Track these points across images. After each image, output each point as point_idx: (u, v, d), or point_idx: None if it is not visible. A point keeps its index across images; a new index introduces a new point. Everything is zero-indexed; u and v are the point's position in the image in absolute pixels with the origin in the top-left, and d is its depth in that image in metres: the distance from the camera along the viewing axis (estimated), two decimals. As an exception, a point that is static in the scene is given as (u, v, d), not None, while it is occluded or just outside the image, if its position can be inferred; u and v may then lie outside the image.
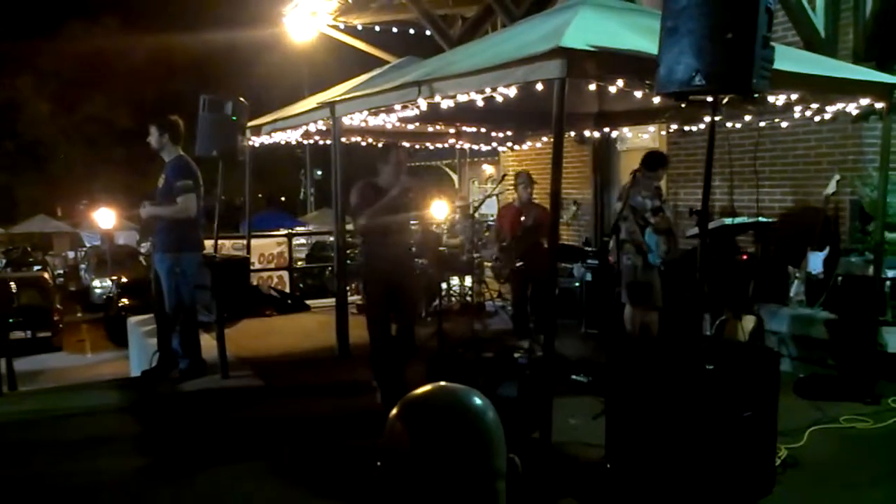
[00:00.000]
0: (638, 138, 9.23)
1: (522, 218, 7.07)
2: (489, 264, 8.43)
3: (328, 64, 24.53)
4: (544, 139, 8.98)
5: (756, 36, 3.34)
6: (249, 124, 8.27)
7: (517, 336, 7.00)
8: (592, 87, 4.63)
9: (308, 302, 9.77)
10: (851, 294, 5.77)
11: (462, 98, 4.76)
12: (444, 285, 8.62)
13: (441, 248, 9.04)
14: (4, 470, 4.34)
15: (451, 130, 8.80)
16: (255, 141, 8.60)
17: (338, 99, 6.54)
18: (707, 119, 4.15)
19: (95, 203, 26.92)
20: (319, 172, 33.45)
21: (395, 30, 12.38)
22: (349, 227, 6.50)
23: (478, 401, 1.18)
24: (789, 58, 4.63)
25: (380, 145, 7.55)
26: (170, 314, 5.86)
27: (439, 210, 10.27)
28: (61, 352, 16.15)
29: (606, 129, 8.19)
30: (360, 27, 12.06)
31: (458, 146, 10.29)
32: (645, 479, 3.61)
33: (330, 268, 13.82)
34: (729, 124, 6.53)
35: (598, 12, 4.68)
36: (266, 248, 11.10)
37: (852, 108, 5.51)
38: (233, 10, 29.10)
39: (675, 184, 8.44)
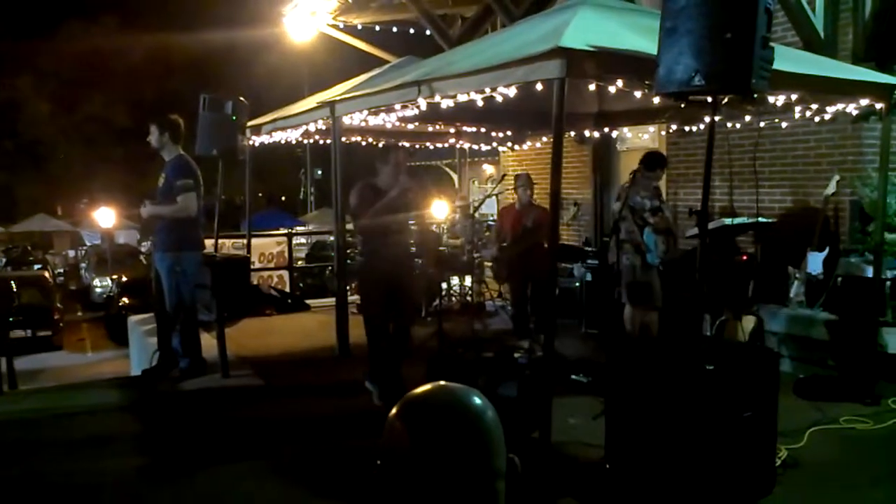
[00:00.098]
0: (638, 138, 9.24)
1: (523, 219, 7.07)
2: (489, 264, 8.44)
3: (328, 63, 24.53)
4: (544, 139, 8.98)
5: (755, 36, 3.35)
6: (249, 124, 8.27)
7: (517, 336, 7.00)
8: (592, 87, 4.64)
9: (308, 301, 9.78)
10: (851, 295, 5.78)
11: (462, 98, 4.76)
12: (444, 285, 8.62)
13: (441, 248, 9.05)
14: (4, 469, 4.34)
15: (451, 130, 8.80)
16: (255, 140, 8.60)
17: (338, 98, 6.54)
18: (707, 119, 4.15)
19: (95, 202, 26.92)
20: (319, 172, 33.45)
21: (394, 29, 12.38)
22: (349, 226, 6.50)
23: (477, 400, 1.18)
24: (789, 58, 4.64)
25: (379, 146, 7.57)
26: (170, 313, 5.86)
27: (439, 210, 10.27)
28: (61, 351, 16.15)
29: (606, 130, 8.19)
30: (359, 27, 12.06)
31: (458, 146, 10.31)
32: (645, 479, 3.61)
33: (330, 267, 13.83)
34: (728, 125, 6.54)
35: (598, 12, 4.68)
36: (266, 248, 11.12)
37: (852, 109, 5.52)
38: (232, 9, 29.11)
39: (674, 184, 8.44)
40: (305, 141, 9.34)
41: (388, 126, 7.28)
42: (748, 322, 5.61)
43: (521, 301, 7.22)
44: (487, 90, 4.51)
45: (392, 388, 5.07)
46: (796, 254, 6.49)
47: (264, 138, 8.52)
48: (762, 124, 6.51)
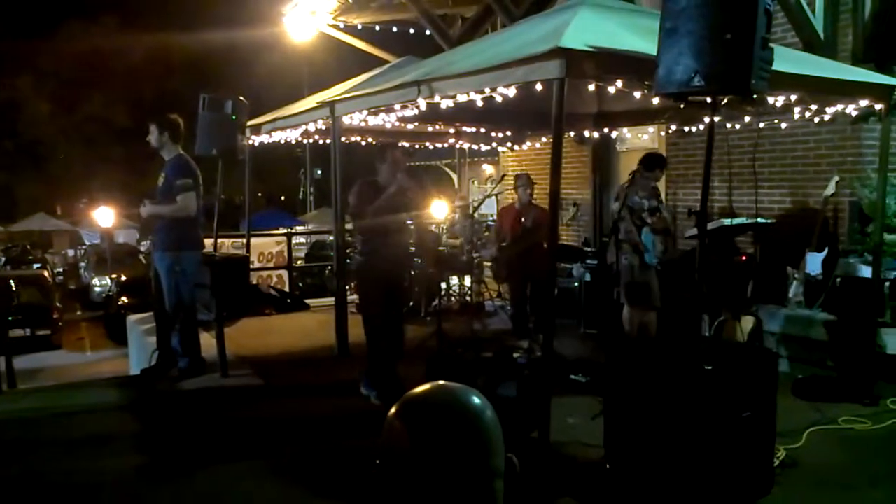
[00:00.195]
0: (637, 139, 9.24)
1: (522, 219, 7.08)
2: (489, 264, 8.44)
3: (328, 63, 24.54)
4: (544, 139, 8.98)
5: (755, 37, 3.35)
6: (249, 123, 8.27)
7: (516, 336, 7.01)
8: (592, 87, 4.64)
9: (307, 301, 9.78)
10: (850, 295, 5.78)
11: (461, 98, 4.76)
12: (443, 285, 8.62)
13: (440, 248, 9.06)
14: (4, 468, 4.35)
15: (451, 130, 8.80)
16: (255, 140, 8.60)
17: (337, 98, 6.54)
18: (706, 120, 4.16)
19: (95, 201, 26.91)
20: (319, 172, 33.44)
21: (394, 29, 12.38)
22: (348, 226, 6.51)
23: (476, 400, 1.19)
24: (788, 59, 4.64)
25: (377, 145, 7.58)
26: (169, 313, 5.86)
27: (439, 210, 10.28)
28: (61, 350, 16.14)
29: (606, 130, 8.20)
30: (359, 27, 12.06)
31: (457, 146, 10.30)
32: (644, 479, 3.62)
33: (329, 267, 13.83)
34: (728, 125, 6.54)
35: (598, 13, 4.69)
36: (266, 247, 11.12)
37: (851, 110, 5.52)
38: (232, 9, 29.13)
39: (674, 184, 8.45)
40: (305, 141, 9.35)
41: (388, 126, 7.29)
42: (747, 322, 5.61)
43: (521, 301, 7.23)
44: (487, 90, 4.51)
45: (390, 388, 5.07)
46: (795, 254, 6.50)
47: (264, 138, 8.52)
48: (762, 125, 6.52)
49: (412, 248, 7.07)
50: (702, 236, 4.02)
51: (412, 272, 8.36)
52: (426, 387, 1.20)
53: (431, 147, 10.95)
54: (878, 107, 5.18)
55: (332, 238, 10.66)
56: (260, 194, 35.14)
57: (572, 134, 8.75)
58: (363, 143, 8.83)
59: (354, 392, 5.35)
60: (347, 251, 7.31)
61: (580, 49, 3.83)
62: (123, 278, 18.96)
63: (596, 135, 8.33)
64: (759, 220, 6.46)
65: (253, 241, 10.29)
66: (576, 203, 10.06)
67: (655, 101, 5.32)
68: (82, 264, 26.75)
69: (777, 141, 7.14)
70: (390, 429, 1.17)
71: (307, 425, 4.97)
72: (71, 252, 30.90)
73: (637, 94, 4.67)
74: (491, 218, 11.84)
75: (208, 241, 7.13)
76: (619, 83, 4.26)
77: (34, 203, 33.03)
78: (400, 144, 6.59)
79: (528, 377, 4.56)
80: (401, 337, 5.40)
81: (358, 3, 11.35)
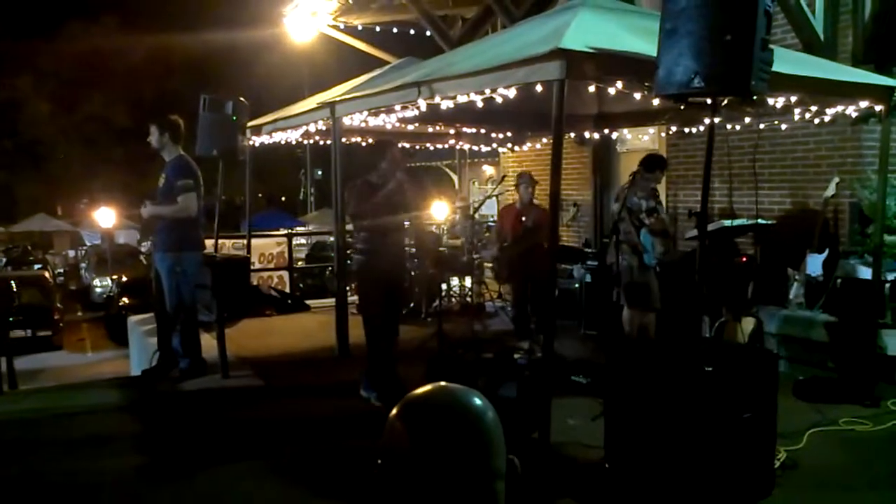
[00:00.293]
0: (638, 140, 9.24)
1: (523, 219, 7.08)
2: (489, 265, 8.44)
3: (328, 64, 24.55)
4: (544, 140, 8.99)
5: (755, 38, 3.35)
6: (250, 124, 8.28)
7: (517, 336, 7.01)
8: (592, 88, 4.64)
9: (308, 302, 9.78)
10: (851, 296, 5.78)
11: (462, 99, 4.76)
12: (444, 286, 8.62)
13: (441, 249, 9.06)
14: (4, 468, 4.35)
15: (451, 131, 8.81)
16: (256, 141, 8.61)
17: (338, 99, 6.55)
18: (706, 121, 4.16)
19: (96, 202, 26.91)
20: (320, 172, 33.45)
21: (395, 30, 12.38)
22: (349, 227, 6.53)
23: (477, 401, 1.19)
24: (788, 60, 4.64)
25: (370, 141, 7.58)
26: (170, 313, 5.87)
27: (439, 211, 10.28)
28: (61, 350, 16.15)
29: (606, 131, 8.20)
30: (360, 27, 12.06)
31: (458, 147, 10.30)
32: (644, 480, 3.62)
33: (330, 268, 13.83)
34: (728, 126, 6.54)
35: (598, 14, 4.69)
36: (266, 248, 11.12)
37: (851, 111, 5.52)
38: (233, 9, 29.17)
39: (674, 185, 8.45)
40: (305, 141, 9.36)
41: (389, 127, 7.29)
42: (748, 323, 5.61)
43: (522, 301, 7.23)
44: (487, 91, 4.51)
45: (391, 389, 5.08)
46: (796, 255, 6.50)
47: (264, 139, 8.53)
48: (762, 126, 6.52)
49: (411, 248, 7.09)
50: (702, 237, 4.03)
51: (412, 272, 8.38)
52: (427, 388, 1.21)
53: (432, 148, 10.96)
54: (878, 108, 5.18)
55: (332, 239, 10.65)
56: (260, 195, 35.15)
57: (573, 135, 8.75)
58: (363, 143, 8.83)
59: (355, 393, 5.36)
60: (348, 252, 7.32)
61: (580, 50, 3.83)
62: (124, 279, 18.96)
63: (596, 136, 8.34)
64: (760, 221, 6.46)
65: (253, 241, 10.29)
66: (576, 204, 10.06)
67: (656, 102, 5.31)
68: (83, 265, 26.76)
69: (777, 142, 7.15)
70: (391, 429, 1.17)
71: (308, 426, 4.97)
72: (72, 253, 30.91)
73: (637, 96, 4.67)
74: (491, 219, 11.84)
75: (209, 242, 7.14)
76: (619, 84, 4.26)
77: (35, 204, 33.04)
78: (395, 141, 6.58)
79: (529, 378, 4.57)
80: (396, 335, 5.43)
81: (358, 3, 11.35)
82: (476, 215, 8.53)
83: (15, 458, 4.53)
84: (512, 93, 4.47)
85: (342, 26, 12.01)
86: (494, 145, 10.08)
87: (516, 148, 9.78)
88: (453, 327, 7.17)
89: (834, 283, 6.03)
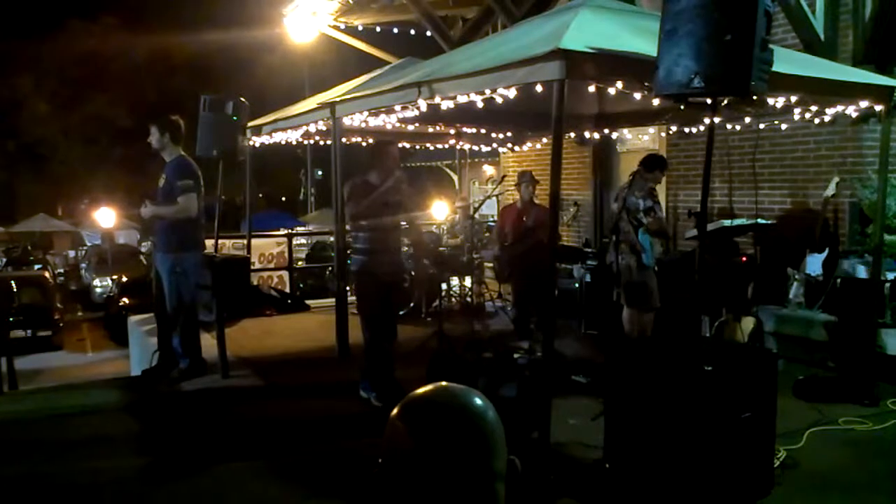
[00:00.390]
0: (638, 140, 9.25)
1: (524, 219, 7.09)
2: (489, 265, 8.43)
3: (328, 64, 24.59)
4: (544, 140, 8.99)
5: (755, 38, 3.35)
6: (250, 124, 8.28)
7: (517, 336, 7.01)
8: (592, 88, 4.64)
9: (308, 302, 9.79)
10: (850, 296, 5.79)
11: (462, 99, 4.77)
12: (444, 286, 8.62)
13: (441, 248, 9.06)
14: (5, 469, 4.35)
15: (452, 131, 8.80)
16: (256, 141, 8.61)
17: (338, 99, 6.55)
18: (707, 121, 4.16)
19: (96, 202, 26.94)
20: (320, 173, 33.46)
21: (395, 30, 12.39)
22: (348, 227, 6.53)
23: (479, 401, 1.19)
24: (788, 60, 4.64)
25: (370, 142, 7.58)
26: (170, 313, 5.87)
27: (440, 210, 10.28)
28: (62, 351, 16.13)
29: (606, 131, 8.20)
30: (360, 28, 12.07)
31: (458, 147, 10.29)
32: (644, 479, 3.62)
33: (330, 268, 13.83)
34: (728, 126, 6.55)
35: (598, 14, 4.69)
36: (266, 248, 11.12)
37: (851, 111, 5.52)
38: (233, 10, 29.17)
39: (674, 185, 8.46)
40: (306, 142, 9.35)
41: (389, 127, 7.29)
42: (747, 323, 5.62)
43: (522, 301, 7.23)
44: (487, 91, 4.51)
45: (390, 389, 5.09)
46: (796, 255, 6.50)
47: (265, 139, 8.54)
48: (762, 126, 6.52)
49: (408, 248, 7.08)
50: (702, 237, 4.03)
51: (412, 272, 8.38)
52: (429, 388, 1.21)
53: (432, 148, 10.96)
54: (878, 108, 5.18)
55: (332, 239, 10.66)
56: (261, 195, 35.15)
57: (573, 135, 8.75)
58: (364, 144, 8.83)
59: (355, 393, 5.36)
60: (347, 252, 7.33)
61: (580, 50, 3.83)
62: (124, 279, 18.95)
63: (596, 136, 8.33)
64: (760, 221, 6.47)
65: (254, 241, 10.29)
66: (576, 204, 10.06)
67: (656, 102, 5.31)
68: (83, 265, 26.73)
69: (777, 142, 7.15)
70: (393, 429, 1.17)
71: (308, 426, 4.97)
72: (72, 253, 30.88)
73: (637, 96, 4.67)
74: (491, 219, 11.84)
75: (209, 242, 7.14)
76: (619, 84, 4.26)
77: (35, 204, 33.02)
78: (392, 141, 6.59)
79: (529, 378, 4.57)
80: (395, 334, 5.46)
81: (359, 4, 11.36)
82: (476, 215, 8.52)
83: (15, 458, 4.53)
84: (512, 93, 4.47)
85: (342, 26, 12.01)
86: (495, 145, 10.08)
87: (516, 148, 9.78)
88: (453, 327, 7.17)
89: (834, 283, 6.03)
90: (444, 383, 1.21)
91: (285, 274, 11.04)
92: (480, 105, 4.98)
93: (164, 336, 6.09)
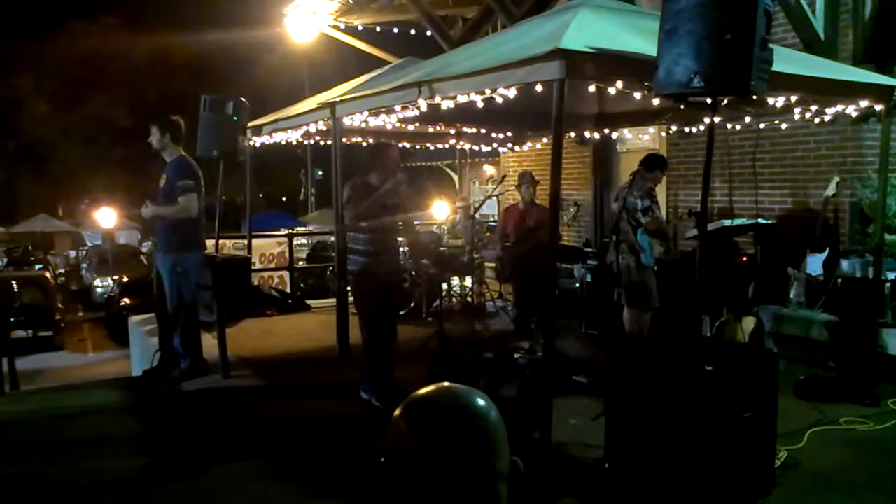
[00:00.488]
0: (638, 139, 9.25)
1: (526, 219, 7.09)
2: (490, 265, 8.43)
3: (329, 64, 24.59)
4: (544, 140, 8.99)
5: (755, 38, 3.35)
6: (250, 124, 8.28)
7: (518, 336, 7.02)
8: (592, 88, 4.64)
9: (309, 302, 9.79)
10: (851, 296, 5.78)
11: (462, 99, 4.77)
12: (444, 286, 8.63)
13: (442, 249, 9.06)
14: (6, 469, 4.36)
15: (452, 131, 8.81)
16: (256, 141, 8.61)
17: (338, 99, 6.55)
18: (707, 120, 4.16)
19: (97, 202, 26.93)
20: (320, 172, 33.47)
21: (395, 30, 12.39)
22: (348, 228, 6.53)
23: (481, 402, 1.19)
24: (788, 59, 4.64)
25: (370, 142, 7.58)
26: (171, 314, 5.87)
27: (440, 210, 10.28)
28: (63, 351, 16.13)
29: (606, 131, 8.20)
30: (360, 27, 12.07)
31: (458, 147, 10.29)
32: (644, 479, 3.62)
33: (331, 268, 13.82)
34: (728, 126, 6.54)
35: (598, 14, 4.69)
36: (267, 248, 11.12)
37: (852, 111, 5.51)
38: (233, 10, 29.18)
39: (674, 185, 8.45)
40: (306, 142, 9.35)
41: (389, 127, 7.29)
42: (748, 323, 5.62)
43: (523, 301, 7.23)
44: (488, 91, 4.51)
45: (389, 390, 5.10)
46: (796, 255, 6.50)
47: (265, 139, 8.54)
48: (762, 126, 6.52)
49: (405, 249, 7.08)
50: (702, 237, 4.03)
51: (412, 273, 8.38)
52: (431, 388, 1.21)
53: (432, 148, 10.95)
54: (878, 107, 5.18)
55: (333, 239, 10.66)
56: (261, 195, 35.15)
57: (573, 135, 8.75)
58: (364, 144, 8.83)
59: (356, 393, 5.36)
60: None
61: (580, 50, 3.83)
62: (125, 279, 18.95)
63: (597, 135, 8.33)
64: (760, 220, 6.47)
65: (254, 242, 10.29)
66: (577, 203, 10.06)
67: (656, 101, 5.31)
68: (84, 265, 26.72)
69: (777, 141, 7.15)
70: (395, 430, 1.17)
71: (309, 426, 4.97)
72: (73, 253, 30.88)
73: (637, 95, 4.67)
74: (492, 219, 11.83)
75: (210, 243, 7.14)
76: (619, 84, 4.26)
77: (36, 204, 33.03)
78: (392, 143, 6.59)
79: (530, 378, 4.57)
80: (395, 335, 5.47)
81: (359, 3, 11.36)
82: (477, 215, 8.52)
83: (16, 458, 4.54)
84: (512, 93, 4.47)
85: (343, 26, 12.01)
86: (495, 145, 10.08)
87: (517, 148, 9.78)
88: (454, 327, 7.17)
89: (834, 283, 6.03)
90: (446, 384, 1.22)
91: (286, 274, 11.04)
92: (480, 105, 4.98)
93: (165, 336, 6.09)
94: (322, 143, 9.05)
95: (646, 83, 3.98)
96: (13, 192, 33.39)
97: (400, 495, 1.15)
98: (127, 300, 16.96)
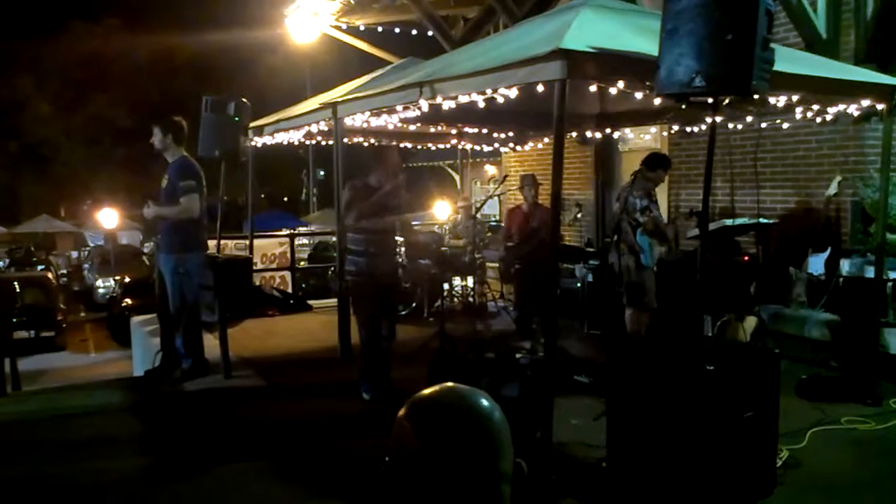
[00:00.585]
0: (640, 139, 9.25)
1: (530, 221, 7.11)
2: (492, 265, 8.43)
3: (330, 64, 24.60)
4: (546, 140, 8.99)
5: (756, 37, 3.35)
6: (252, 125, 8.29)
7: (520, 336, 7.02)
8: (593, 88, 4.64)
9: (310, 302, 9.79)
10: (853, 295, 5.78)
11: (463, 99, 4.77)
12: (446, 286, 8.63)
13: (443, 249, 9.06)
14: (8, 469, 4.37)
15: (453, 131, 8.81)
16: (258, 141, 8.62)
17: (340, 100, 6.56)
18: (708, 120, 4.16)
19: (99, 203, 26.99)
20: (322, 173, 33.49)
21: (397, 30, 12.40)
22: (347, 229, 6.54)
23: (485, 402, 1.19)
24: (790, 59, 4.64)
25: (372, 143, 7.58)
26: (173, 314, 5.88)
27: (442, 211, 10.28)
28: (65, 351, 16.18)
29: (608, 130, 8.20)
30: (362, 28, 12.08)
31: (460, 147, 10.30)
32: (646, 479, 3.62)
33: (332, 268, 13.83)
34: (730, 125, 6.54)
35: (599, 14, 4.69)
36: (268, 249, 11.12)
37: (853, 110, 5.51)
38: (235, 10, 29.18)
39: (676, 184, 8.45)
40: (308, 142, 9.36)
41: (390, 127, 7.30)
42: (750, 323, 5.61)
43: (525, 301, 7.24)
44: (489, 91, 4.51)
45: (385, 388, 5.11)
46: (798, 254, 6.50)
47: (266, 139, 8.55)
48: (763, 125, 6.51)
49: (403, 249, 7.08)
50: (703, 237, 4.03)
51: (411, 273, 8.38)
52: (435, 388, 1.21)
53: (434, 148, 10.95)
54: (879, 107, 5.17)
55: (334, 239, 10.66)
56: (263, 196, 35.15)
57: (574, 134, 8.74)
58: (365, 144, 8.84)
59: (357, 393, 5.37)
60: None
61: (581, 50, 3.83)
62: (127, 280, 19.00)
63: (598, 135, 8.33)
64: (762, 220, 6.46)
65: (256, 242, 10.28)
66: (578, 204, 10.06)
67: (657, 101, 5.31)
68: (86, 266, 26.77)
69: (779, 141, 7.14)
70: (400, 430, 1.17)
71: (310, 427, 4.98)
72: (75, 254, 30.93)
73: (639, 95, 4.67)
74: (493, 219, 11.83)
75: (212, 243, 7.15)
76: (620, 84, 4.26)
77: (38, 204, 33.05)
78: (393, 145, 6.61)
79: (531, 378, 4.56)
80: (392, 338, 5.48)
81: (360, 4, 11.36)
82: (478, 215, 8.52)
83: (18, 458, 4.54)
84: (514, 93, 4.47)
85: (344, 27, 12.02)
86: (496, 145, 10.08)
87: (518, 148, 9.78)
88: (455, 327, 7.17)
89: (836, 282, 6.03)
90: (450, 384, 1.22)
91: (287, 274, 11.04)
92: (482, 105, 4.98)
93: (167, 336, 6.10)
94: (324, 143, 9.06)
95: (647, 83, 3.98)
96: (15, 193, 33.41)
97: (404, 495, 1.15)
98: (129, 300, 17.00)
